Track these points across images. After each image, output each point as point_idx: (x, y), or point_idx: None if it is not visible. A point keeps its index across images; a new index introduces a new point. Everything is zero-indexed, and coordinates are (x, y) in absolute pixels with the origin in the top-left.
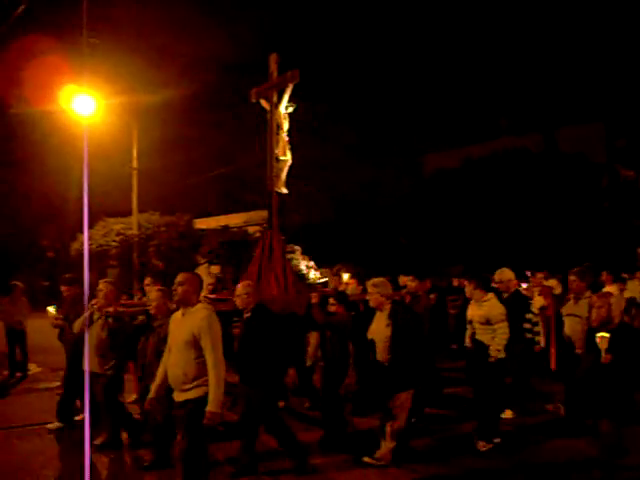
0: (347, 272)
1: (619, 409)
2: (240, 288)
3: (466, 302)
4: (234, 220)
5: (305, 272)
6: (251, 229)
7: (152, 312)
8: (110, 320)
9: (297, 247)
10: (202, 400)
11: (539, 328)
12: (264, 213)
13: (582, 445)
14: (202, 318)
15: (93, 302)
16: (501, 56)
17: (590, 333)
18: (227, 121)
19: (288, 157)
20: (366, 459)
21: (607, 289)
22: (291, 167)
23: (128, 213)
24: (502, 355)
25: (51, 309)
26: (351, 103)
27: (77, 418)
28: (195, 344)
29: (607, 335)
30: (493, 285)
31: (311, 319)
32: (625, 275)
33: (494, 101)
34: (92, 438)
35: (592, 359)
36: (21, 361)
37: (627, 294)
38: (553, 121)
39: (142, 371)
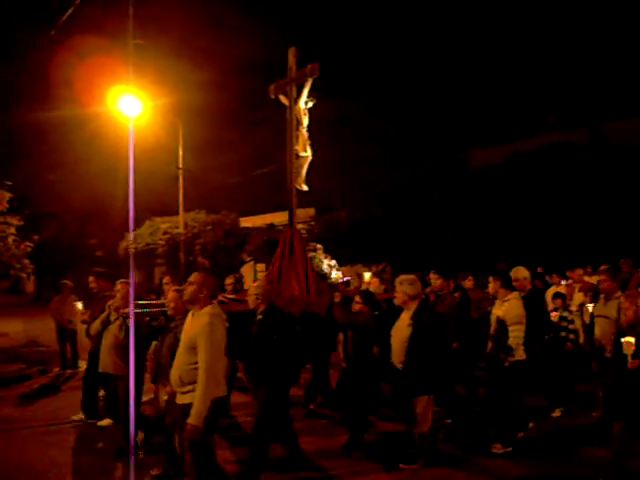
0: (368, 271)
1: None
2: (252, 289)
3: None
4: (279, 218)
5: (327, 271)
6: (296, 227)
7: (169, 313)
8: (127, 321)
9: (319, 246)
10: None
11: (575, 326)
12: (311, 211)
13: (602, 453)
14: (203, 325)
15: (109, 303)
16: (548, 51)
17: (618, 336)
18: (271, 119)
19: (308, 153)
20: (400, 465)
21: None
22: (311, 163)
23: (174, 212)
24: (519, 358)
25: (79, 305)
26: (396, 100)
27: (102, 423)
28: (193, 349)
29: (632, 340)
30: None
31: (332, 319)
32: None
33: (540, 96)
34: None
35: (620, 364)
36: (71, 358)
37: None
38: (600, 115)
39: (157, 372)
